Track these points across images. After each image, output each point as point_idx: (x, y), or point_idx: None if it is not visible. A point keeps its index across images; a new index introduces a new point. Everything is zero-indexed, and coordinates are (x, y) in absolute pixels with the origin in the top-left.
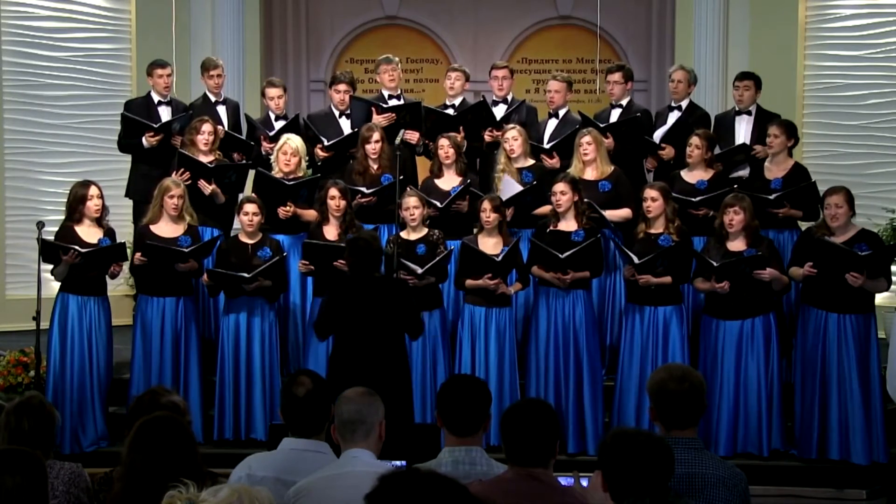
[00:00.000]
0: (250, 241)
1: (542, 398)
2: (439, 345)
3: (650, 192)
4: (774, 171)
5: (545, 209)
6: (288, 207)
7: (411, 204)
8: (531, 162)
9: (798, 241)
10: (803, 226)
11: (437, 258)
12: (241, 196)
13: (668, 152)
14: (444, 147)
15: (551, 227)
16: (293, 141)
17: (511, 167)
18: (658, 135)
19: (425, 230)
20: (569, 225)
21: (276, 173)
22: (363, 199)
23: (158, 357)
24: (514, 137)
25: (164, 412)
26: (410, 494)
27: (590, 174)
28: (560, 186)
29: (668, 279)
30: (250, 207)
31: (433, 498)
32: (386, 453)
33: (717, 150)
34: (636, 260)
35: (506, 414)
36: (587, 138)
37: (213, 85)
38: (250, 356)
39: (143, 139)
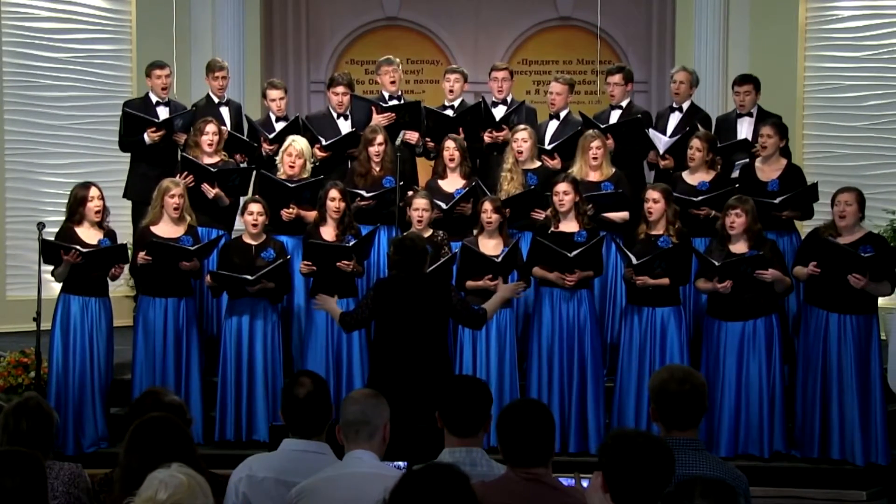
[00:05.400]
0: (254, 243)
1: (545, 398)
2: None
3: (652, 194)
4: (768, 171)
5: (549, 212)
6: (291, 209)
7: (420, 206)
8: (537, 164)
9: (804, 241)
10: (800, 226)
11: (442, 260)
12: (242, 199)
13: (668, 163)
14: (450, 149)
15: (553, 229)
16: (298, 143)
17: (517, 168)
18: (662, 145)
19: (430, 231)
20: (570, 226)
21: (281, 175)
22: (362, 203)
23: (161, 358)
24: (524, 139)
25: (159, 413)
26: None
27: (593, 175)
28: (563, 187)
29: (665, 280)
30: (255, 208)
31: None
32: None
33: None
34: (635, 261)
35: (501, 415)
36: (597, 143)
37: (217, 87)
38: (252, 357)
39: (146, 135)
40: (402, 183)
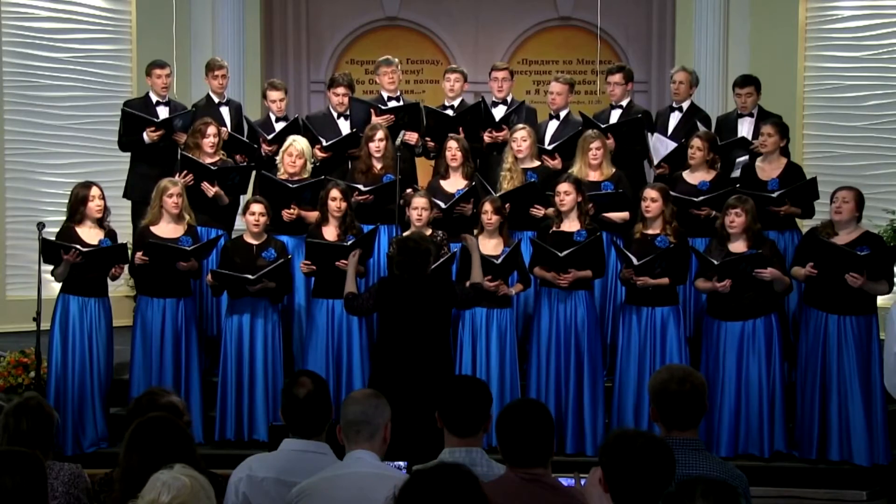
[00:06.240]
0: (255, 242)
1: (543, 398)
2: None
3: (650, 193)
4: (768, 170)
5: (548, 210)
6: (292, 210)
7: (420, 205)
8: (537, 163)
9: (802, 240)
10: (801, 224)
11: (441, 260)
12: (242, 198)
13: (663, 171)
14: (452, 149)
15: (554, 228)
16: (299, 143)
17: (517, 167)
18: (658, 155)
19: (429, 230)
20: (571, 225)
21: (282, 174)
22: (360, 197)
23: (159, 358)
24: (523, 138)
25: (160, 413)
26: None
27: (593, 175)
28: (564, 187)
29: (665, 280)
30: (257, 208)
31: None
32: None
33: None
34: (635, 261)
35: (501, 415)
36: (597, 143)
37: (217, 86)
38: (253, 357)
39: (145, 134)
40: (400, 177)
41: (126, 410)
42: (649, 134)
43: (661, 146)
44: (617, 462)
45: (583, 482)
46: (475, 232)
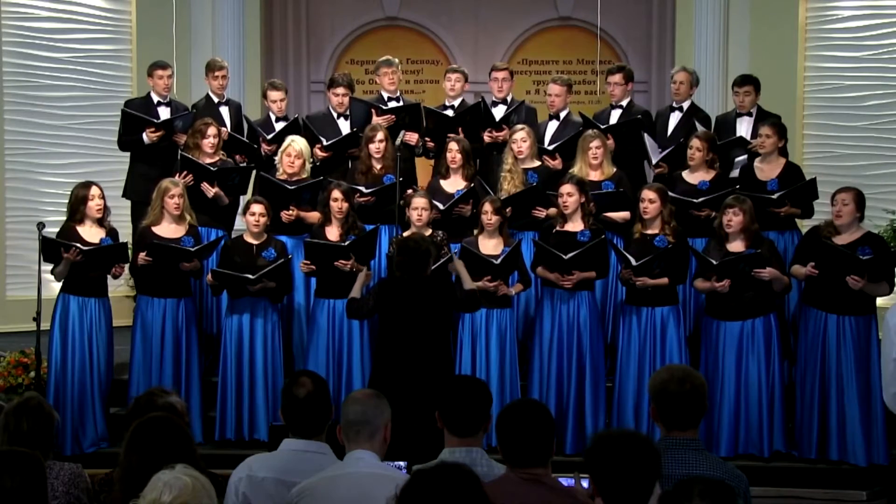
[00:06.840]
0: (255, 242)
1: (544, 398)
2: None
3: (648, 194)
4: (767, 171)
5: (550, 210)
6: (291, 211)
7: (420, 205)
8: (537, 163)
9: (802, 239)
10: (802, 225)
11: (441, 260)
12: (242, 198)
13: (662, 171)
14: (452, 151)
15: (557, 228)
16: (298, 143)
17: (517, 168)
18: (655, 155)
19: (429, 231)
20: (575, 226)
21: (281, 175)
22: (361, 199)
23: (158, 358)
24: (522, 139)
25: (160, 413)
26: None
27: (594, 175)
28: (567, 188)
29: (664, 280)
30: (257, 208)
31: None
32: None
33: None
34: (633, 262)
35: (501, 415)
36: (597, 142)
37: (217, 86)
38: (253, 357)
39: (144, 135)
40: (401, 179)
41: (126, 410)
42: (645, 135)
43: (652, 153)
44: (602, 464)
45: (583, 482)
46: (475, 231)
